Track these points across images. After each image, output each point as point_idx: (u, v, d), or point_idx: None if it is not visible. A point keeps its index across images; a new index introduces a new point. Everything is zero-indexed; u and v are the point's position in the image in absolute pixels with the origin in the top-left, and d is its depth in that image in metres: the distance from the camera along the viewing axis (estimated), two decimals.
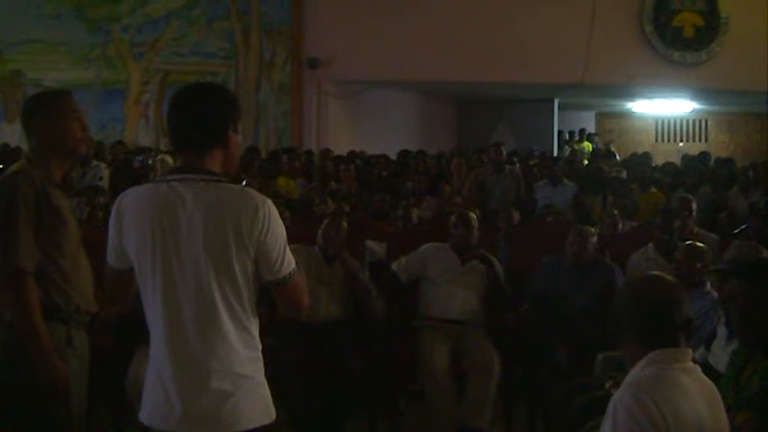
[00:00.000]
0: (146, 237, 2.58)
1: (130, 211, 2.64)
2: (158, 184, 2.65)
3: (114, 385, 4.85)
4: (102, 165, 9.67)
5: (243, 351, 2.60)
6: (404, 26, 14.14)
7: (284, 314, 2.80)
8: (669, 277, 2.74)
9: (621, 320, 2.67)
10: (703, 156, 11.66)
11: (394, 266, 5.89)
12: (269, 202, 2.61)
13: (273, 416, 2.67)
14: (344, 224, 5.82)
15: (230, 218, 2.54)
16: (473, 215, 6.02)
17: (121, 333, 4.79)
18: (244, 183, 2.72)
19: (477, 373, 5.29)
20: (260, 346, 2.69)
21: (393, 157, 12.46)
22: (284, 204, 7.95)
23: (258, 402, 2.64)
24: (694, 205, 7.00)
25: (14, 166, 3.32)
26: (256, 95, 15.27)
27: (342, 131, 15.16)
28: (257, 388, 2.64)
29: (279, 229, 2.61)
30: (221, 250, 2.54)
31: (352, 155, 12.32)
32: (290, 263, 2.64)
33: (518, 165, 11.17)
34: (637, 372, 2.60)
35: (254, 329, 2.66)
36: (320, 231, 5.74)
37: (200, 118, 2.65)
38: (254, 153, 12.11)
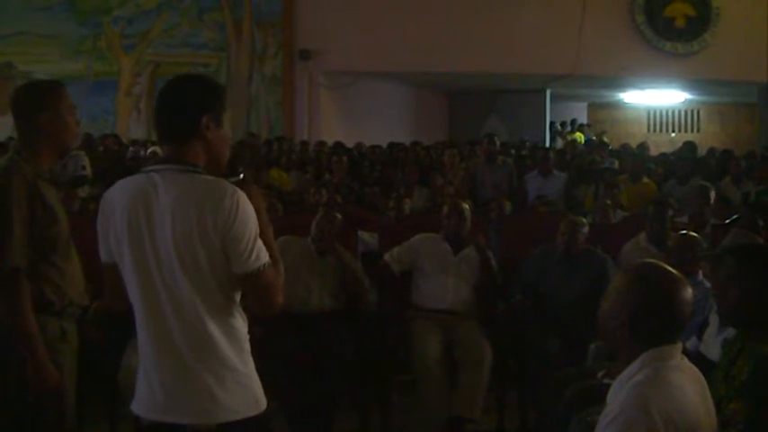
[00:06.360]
0: (124, 229, 2.57)
1: (113, 203, 2.62)
2: (140, 175, 2.63)
3: (107, 378, 4.84)
4: (82, 152, 9.44)
5: (225, 343, 2.58)
6: (395, 18, 14.16)
7: (256, 309, 2.73)
8: (675, 272, 2.61)
9: (620, 315, 2.57)
10: (690, 146, 11.70)
11: (386, 257, 5.88)
12: (239, 192, 2.55)
13: (262, 407, 2.65)
14: (338, 216, 5.82)
15: (195, 207, 2.50)
16: (465, 205, 6.03)
17: (114, 325, 4.77)
18: (241, 175, 2.69)
19: (468, 363, 5.29)
20: (245, 337, 2.65)
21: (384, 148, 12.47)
22: (277, 196, 7.95)
23: (244, 394, 2.61)
24: (712, 194, 7.02)
25: (3, 161, 3.29)
26: (248, 87, 15.28)
27: (333, 122, 15.18)
28: (243, 380, 2.62)
29: (248, 221, 2.54)
30: (186, 241, 2.51)
31: (340, 146, 12.29)
32: (260, 257, 2.56)
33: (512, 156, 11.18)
34: (633, 371, 2.53)
35: (238, 320, 2.63)
36: (314, 223, 5.73)
37: (173, 109, 2.62)
38: (244, 147, 12.12)
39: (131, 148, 11.72)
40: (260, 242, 2.57)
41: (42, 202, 3.23)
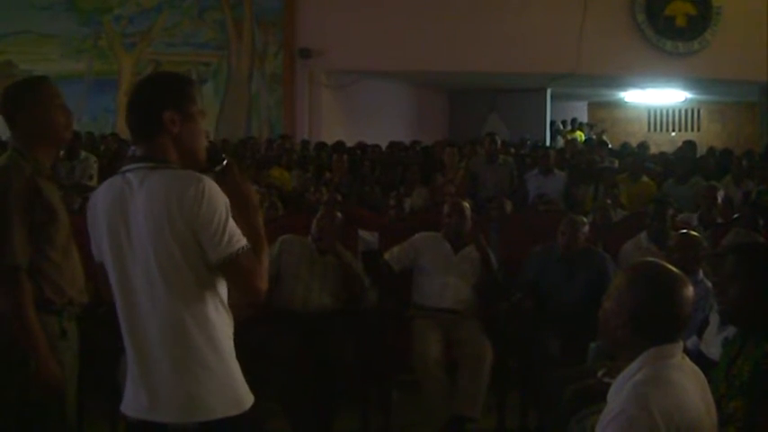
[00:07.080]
0: (104, 230, 2.59)
1: (96, 206, 2.65)
2: (117, 176, 2.64)
3: (107, 377, 4.84)
4: (93, 158, 9.21)
5: (205, 342, 2.55)
6: (396, 16, 14.16)
7: (239, 298, 2.70)
8: (676, 270, 2.62)
9: (621, 314, 2.58)
10: (690, 145, 11.69)
11: (386, 256, 5.88)
12: (205, 180, 2.51)
13: (245, 407, 2.61)
14: (339, 215, 5.81)
15: (163, 202, 2.49)
16: (466, 204, 6.03)
17: (113, 324, 4.76)
18: (224, 162, 2.67)
19: (469, 362, 5.28)
20: (227, 336, 2.62)
21: (384, 147, 12.47)
22: (277, 196, 7.95)
23: (223, 393, 2.58)
24: (720, 194, 7.01)
25: (2, 159, 3.28)
26: (248, 85, 15.29)
27: (334, 121, 15.18)
28: (223, 379, 2.59)
29: (216, 207, 2.49)
30: (160, 237, 2.49)
31: (340, 145, 12.28)
32: (233, 242, 2.50)
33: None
34: (634, 370, 2.54)
35: (220, 318, 2.60)
36: (314, 222, 5.73)
37: (136, 108, 2.64)
38: (245, 145, 12.14)
39: (133, 147, 11.68)
40: (232, 226, 2.51)
41: (42, 199, 3.22)
